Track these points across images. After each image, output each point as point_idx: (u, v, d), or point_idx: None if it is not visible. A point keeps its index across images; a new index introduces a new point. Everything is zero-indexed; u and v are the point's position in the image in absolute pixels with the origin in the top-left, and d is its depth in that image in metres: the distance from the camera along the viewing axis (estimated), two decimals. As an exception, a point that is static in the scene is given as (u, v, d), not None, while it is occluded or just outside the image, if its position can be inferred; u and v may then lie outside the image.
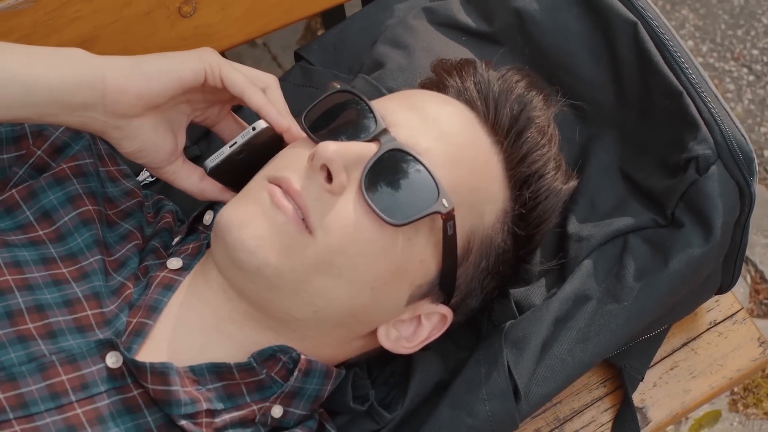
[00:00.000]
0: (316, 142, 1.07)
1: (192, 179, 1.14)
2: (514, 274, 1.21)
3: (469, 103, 1.13)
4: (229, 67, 1.10)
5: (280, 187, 1.03)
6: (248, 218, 1.03)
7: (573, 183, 1.19)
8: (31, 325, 1.03)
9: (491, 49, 1.36)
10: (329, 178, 1.02)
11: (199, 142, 1.38)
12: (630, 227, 1.23)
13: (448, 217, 1.04)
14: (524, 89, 1.15)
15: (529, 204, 1.14)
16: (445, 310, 1.13)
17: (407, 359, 1.22)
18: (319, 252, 1.02)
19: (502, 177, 1.12)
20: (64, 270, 1.09)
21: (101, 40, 1.32)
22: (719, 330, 1.37)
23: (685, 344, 1.36)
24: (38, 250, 1.09)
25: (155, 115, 1.08)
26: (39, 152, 1.16)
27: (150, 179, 1.34)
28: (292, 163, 1.06)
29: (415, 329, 1.13)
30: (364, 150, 1.04)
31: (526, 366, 1.18)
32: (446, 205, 1.03)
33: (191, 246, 1.16)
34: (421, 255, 1.06)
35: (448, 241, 1.06)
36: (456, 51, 1.35)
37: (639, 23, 1.26)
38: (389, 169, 1.04)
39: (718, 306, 1.39)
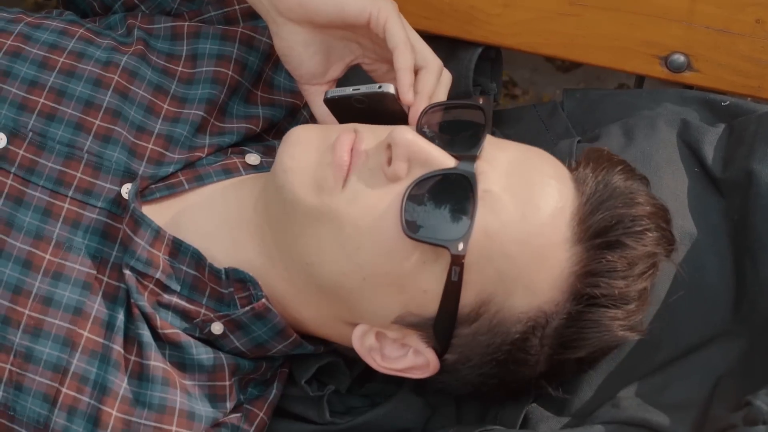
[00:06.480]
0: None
1: (323, 108, 1.15)
2: (527, 383, 1.11)
3: (580, 192, 1.05)
4: (397, 22, 1.09)
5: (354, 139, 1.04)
6: (306, 142, 1.05)
7: (631, 336, 1.07)
8: (97, 122, 1.12)
9: (710, 196, 1.22)
10: (390, 161, 1.02)
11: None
12: (660, 427, 1.08)
13: (455, 261, 0.99)
14: (642, 213, 1.04)
15: (564, 320, 1.04)
16: (432, 358, 1.08)
17: (397, 388, 1.18)
18: (336, 210, 1.02)
19: (560, 277, 1.03)
20: (165, 106, 1.17)
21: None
22: None
23: None
24: (161, 79, 1.18)
25: (313, 33, 1.11)
26: (236, 6, 1.23)
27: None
28: (381, 130, 1.06)
29: (400, 356, 1.09)
30: (437, 157, 1.02)
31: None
32: (459, 249, 0.98)
33: None
34: (426, 284, 1.02)
35: (451, 286, 1.01)
36: (672, 172, 1.22)
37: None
38: (446, 187, 1.01)
39: None
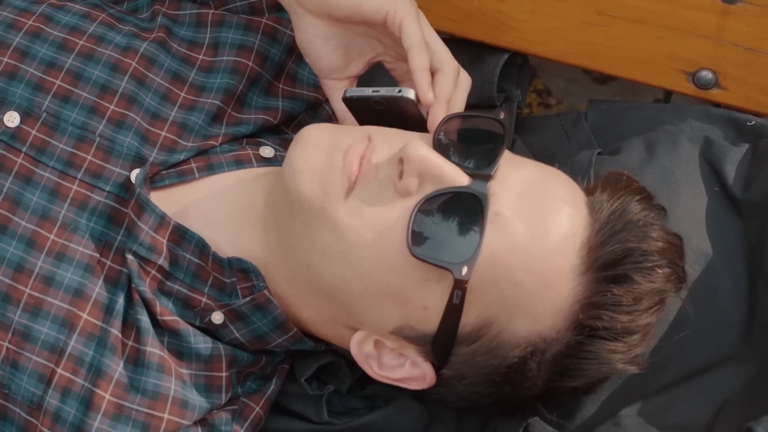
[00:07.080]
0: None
1: (343, 105, 1.14)
2: (522, 403, 1.10)
3: (593, 219, 1.02)
4: (414, 22, 1.07)
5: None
6: (318, 143, 1.03)
7: (631, 369, 1.05)
8: (111, 106, 1.12)
9: (729, 216, 1.20)
10: (401, 175, 1.00)
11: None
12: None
13: (458, 285, 0.97)
14: (653, 249, 1.02)
15: (563, 348, 1.02)
16: (429, 371, 1.06)
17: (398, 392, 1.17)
18: (337, 219, 1.00)
19: (563, 305, 1.01)
20: (181, 94, 1.17)
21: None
22: None
23: None
24: (181, 67, 1.18)
25: (333, 27, 1.11)
26: None
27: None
28: (396, 140, 1.03)
29: (397, 365, 1.08)
30: (450, 174, 1.00)
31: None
32: (463, 273, 0.96)
33: None
34: (427, 302, 1.01)
35: (451, 308, 0.99)
36: (691, 190, 1.20)
37: None
38: (457, 206, 0.99)
39: None
